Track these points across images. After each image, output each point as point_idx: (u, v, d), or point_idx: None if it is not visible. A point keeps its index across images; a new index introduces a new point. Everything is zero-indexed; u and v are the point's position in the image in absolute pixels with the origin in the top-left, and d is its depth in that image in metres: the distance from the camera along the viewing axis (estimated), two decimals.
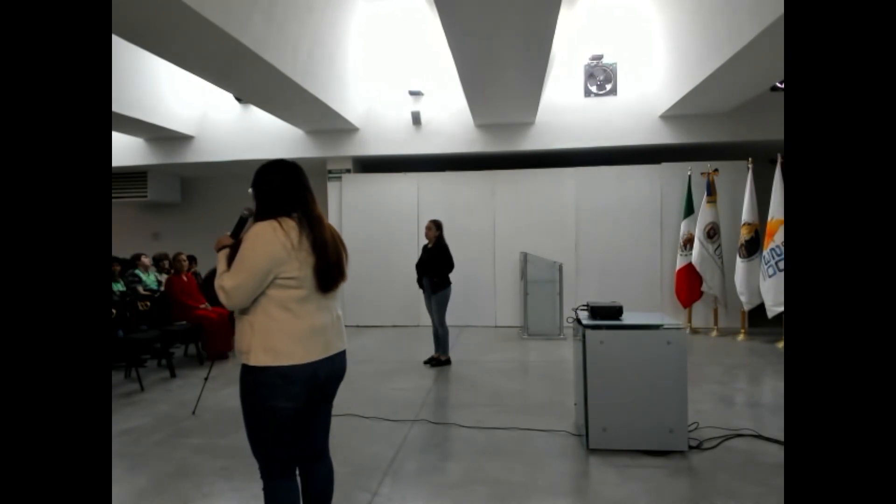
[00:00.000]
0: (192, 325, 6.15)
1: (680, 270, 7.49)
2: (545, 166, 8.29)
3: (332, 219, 8.63)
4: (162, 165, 8.85)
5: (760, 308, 6.66)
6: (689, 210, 7.46)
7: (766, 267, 6.43)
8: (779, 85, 6.73)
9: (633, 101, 7.77)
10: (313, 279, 1.94)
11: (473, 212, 8.25)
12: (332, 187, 8.63)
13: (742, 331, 7.08)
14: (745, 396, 4.77)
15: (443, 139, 8.21)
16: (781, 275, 6.18)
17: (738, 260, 6.97)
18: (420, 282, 5.86)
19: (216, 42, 4.50)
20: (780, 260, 6.25)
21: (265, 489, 2.02)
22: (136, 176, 9.14)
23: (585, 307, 3.69)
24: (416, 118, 8.06)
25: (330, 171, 8.63)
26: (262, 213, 1.98)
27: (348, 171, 8.61)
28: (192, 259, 7.61)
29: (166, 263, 7.12)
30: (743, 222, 6.92)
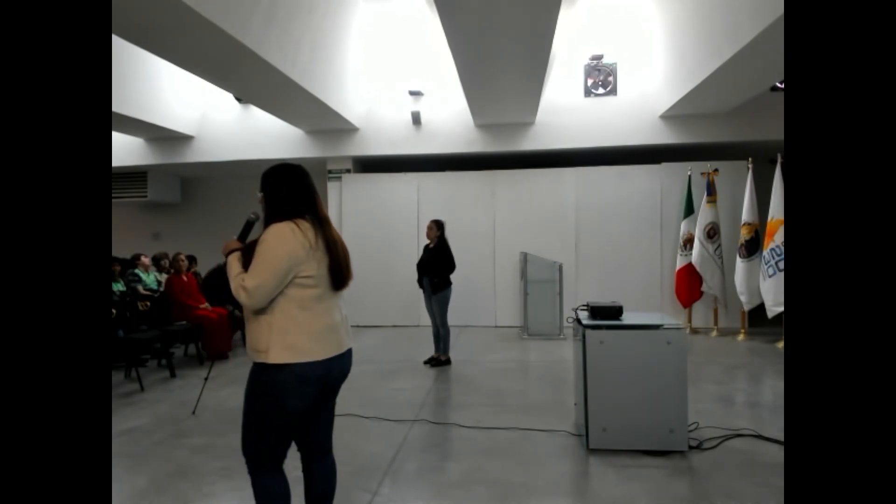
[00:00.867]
0: (192, 325, 6.15)
1: (680, 270, 7.49)
2: (545, 166, 8.29)
3: (333, 219, 8.53)
4: (162, 165, 8.85)
5: (760, 308, 6.66)
6: (689, 210, 7.46)
7: (766, 267, 6.43)
8: (779, 85, 6.73)
9: (633, 101, 7.77)
10: (328, 278, 2.02)
11: (473, 212, 8.25)
12: (332, 187, 8.63)
13: (742, 331, 7.08)
14: (745, 396, 4.77)
15: (443, 139, 8.21)
16: (781, 275, 6.18)
17: (738, 260, 6.97)
18: (420, 282, 5.86)
19: (216, 42, 4.50)
20: (780, 260, 6.25)
21: (255, 483, 2.06)
22: (136, 176, 9.14)
23: (585, 307, 3.69)
24: (416, 118, 8.06)
25: (330, 171, 8.63)
26: (274, 216, 2.03)
27: (348, 171, 8.61)
28: (191, 259, 7.61)
29: (166, 263, 7.12)
30: (743, 222, 6.92)
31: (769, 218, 6.50)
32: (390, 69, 8.17)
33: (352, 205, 8.53)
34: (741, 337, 7.01)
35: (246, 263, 1.99)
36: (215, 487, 3.06)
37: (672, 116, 7.65)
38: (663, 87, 7.34)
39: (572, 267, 7.89)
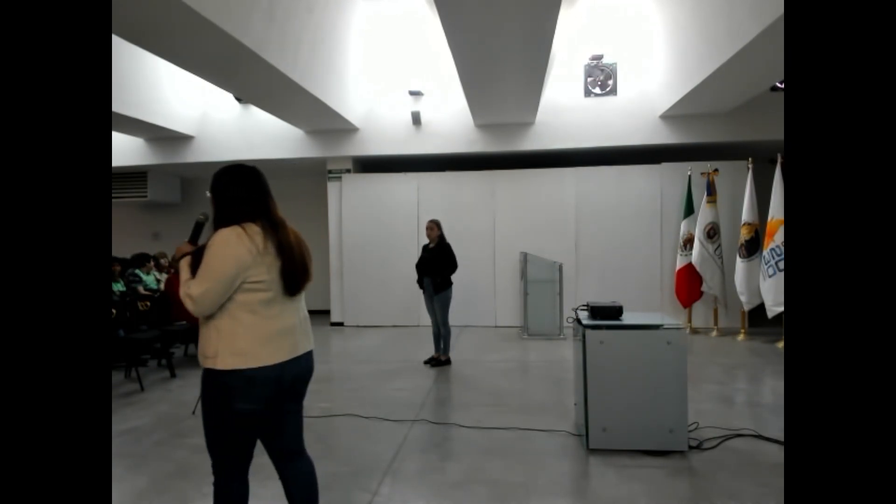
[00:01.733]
0: (192, 325, 6.15)
1: (680, 270, 7.49)
2: (545, 166, 8.29)
3: (332, 219, 8.63)
4: (162, 165, 8.85)
5: (760, 308, 6.66)
6: (689, 210, 7.46)
7: (766, 267, 6.43)
8: (779, 85, 6.73)
9: (633, 101, 7.77)
10: (280, 282, 1.97)
11: (473, 212, 8.25)
12: (332, 187, 8.63)
13: (742, 331, 7.08)
14: (745, 396, 4.77)
15: (443, 139, 8.21)
16: (781, 275, 6.18)
17: (738, 260, 6.97)
18: (420, 282, 5.86)
19: (216, 42, 4.50)
20: (780, 260, 6.25)
21: (215, 485, 2.05)
22: (136, 176, 9.14)
23: (585, 307, 3.69)
24: (416, 118, 8.06)
25: (330, 171, 8.64)
26: (223, 220, 1.98)
27: (348, 171, 8.61)
28: None
29: (165, 262, 7.12)
30: (743, 222, 6.92)
31: (769, 218, 6.50)
32: (390, 69, 8.17)
33: (352, 205, 8.53)
34: (741, 337, 7.01)
35: (196, 267, 1.95)
36: None
37: (672, 116, 7.65)
38: (663, 87, 7.34)
39: (572, 267, 7.89)
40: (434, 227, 5.80)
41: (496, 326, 8.20)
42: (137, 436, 3.90)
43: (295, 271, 2.01)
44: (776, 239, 6.30)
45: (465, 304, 7.52)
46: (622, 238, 7.96)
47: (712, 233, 7.20)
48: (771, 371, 5.44)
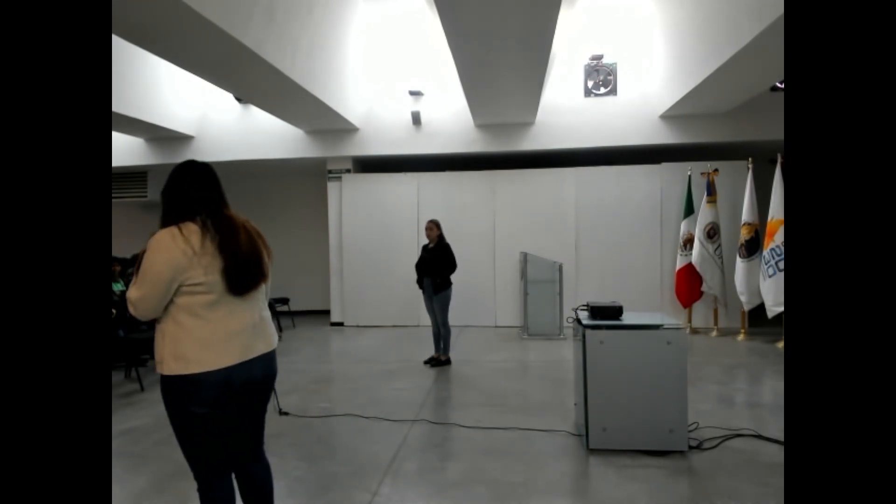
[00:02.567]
0: None
1: (680, 270, 7.49)
2: (545, 166, 8.29)
3: (332, 219, 8.62)
4: (162, 165, 8.84)
5: (760, 308, 6.66)
6: (689, 210, 7.46)
7: (766, 267, 6.43)
8: (779, 85, 6.73)
9: (633, 101, 7.77)
10: (222, 282, 1.88)
11: (473, 212, 8.25)
12: (332, 187, 8.63)
13: (742, 331, 7.08)
14: (745, 396, 4.77)
15: (443, 139, 8.20)
16: (781, 275, 6.18)
17: (738, 260, 6.97)
18: (420, 282, 5.86)
19: (216, 42, 4.50)
20: (780, 260, 6.25)
21: (199, 490, 2.03)
22: (136, 176, 9.14)
23: (585, 307, 3.69)
24: (416, 118, 8.06)
25: (330, 171, 8.64)
26: (164, 220, 1.94)
27: (348, 171, 8.61)
28: None
29: None
30: (743, 222, 6.92)
31: (769, 218, 6.50)
32: (390, 69, 8.17)
33: (352, 205, 8.52)
34: (741, 337, 7.01)
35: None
36: None
37: (672, 116, 7.65)
38: (663, 87, 7.34)
39: (572, 267, 7.89)
40: (433, 227, 5.80)
41: (496, 326, 8.20)
42: (137, 436, 3.90)
43: (239, 271, 1.90)
44: (776, 239, 6.30)
45: (465, 304, 7.52)
46: (622, 238, 7.95)
47: (712, 233, 7.20)
48: (771, 371, 5.44)
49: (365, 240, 8.43)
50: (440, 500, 2.87)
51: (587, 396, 3.37)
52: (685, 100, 6.74)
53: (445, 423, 4.03)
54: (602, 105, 7.87)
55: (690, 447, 3.35)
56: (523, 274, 7.54)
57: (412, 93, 7.99)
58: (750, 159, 7.02)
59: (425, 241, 6.00)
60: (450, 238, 5.93)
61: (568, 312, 4.31)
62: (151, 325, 6.23)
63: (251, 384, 1.98)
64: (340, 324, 8.56)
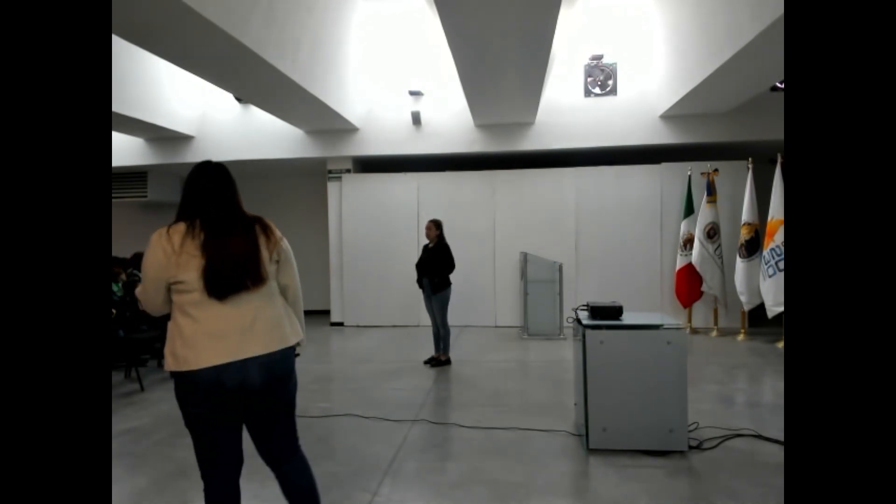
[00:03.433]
0: None
1: (680, 270, 7.49)
2: (545, 166, 8.29)
3: (332, 219, 8.62)
4: (162, 165, 8.85)
5: (760, 308, 6.66)
6: (689, 210, 7.46)
7: (766, 267, 6.43)
8: (779, 85, 6.73)
9: (633, 101, 7.77)
10: (200, 282, 1.87)
11: (473, 212, 8.25)
12: (332, 187, 8.63)
13: (742, 331, 7.08)
14: (745, 396, 4.77)
15: (443, 139, 8.21)
16: (781, 275, 6.18)
17: (738, 260, 6.97)
18: (420, 282, 5.86)
19: (216, 42, 4.50)
20: (780, 260, 6.25)
21: (204, 490, 2.06)
22: (136, 176, 9.14)
23: (585, 307, 3.69)
24: (416, 118, 8.06)
25: (330, 171, 8.64)
26: (175, 219, 2.02)
27: (348, 171, 8.61)
28: None
29: None
30: (743, 222, 6.92)
31: (769, 218, 6.50)
32: (390, 69, 8.17)
33: (352, 205, 8.52)
34: (741, 337, 7.01)
35: None
36: None
37: (672, 116, 7.65)
38: (663, 87, 7.34)
39: (572, 267, 7.89)
40: (432, 227, 5.81)
41: (496, 326, 8.20)
42: (137, 436, 3.90)
43: (219, 272, 1.86)
44: (776, 239, 6.30)
45: (465, 304, 7.52)
46: (622, 238, 7.95)
47: (712, 233, 7.20)
48: (771, 371, 5.44)
49: (365, 240, 8.43)
50: (440, 500, 2.87)
51: (587, 396, 3.37)
52: (685, 100, 6.74)
53: (445, 423, 4.03)
54: (602, 105, 7.87)
55: (690, 447, 3.35)
56: (523, 274, 7.54)
57: (412, 93, 7.99)
58: (750, 159, 7.02)
59: (426, 241, 6.00)
60: (450, 238, 5.93)
61: (568, 312, 4.31)
62: (151, 324, 6.17)
63: (248, 388, 1.92)
64: (340, 324, 8.56)
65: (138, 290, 1.99)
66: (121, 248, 7.81)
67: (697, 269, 7.24)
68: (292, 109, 7.03)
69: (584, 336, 3.40)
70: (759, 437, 3.58)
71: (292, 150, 8.33)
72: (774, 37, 4.44)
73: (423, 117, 8.09)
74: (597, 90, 7.89)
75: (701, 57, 5.87)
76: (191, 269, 1.87)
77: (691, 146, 7.92)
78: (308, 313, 2.17)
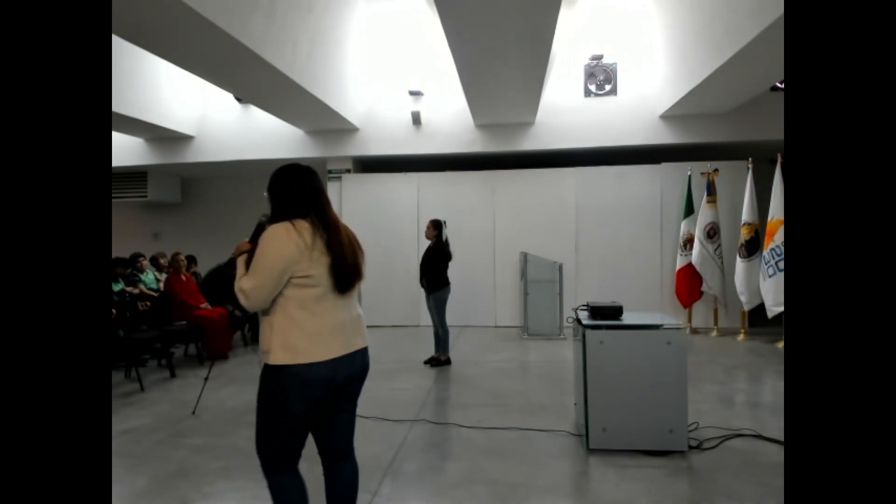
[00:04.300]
0: (192, 325, 6.15)
1: (680, 270, 7.49)
2: (545, 166, 8.29)
3: None
4: (162, 165, 8.85)
5: (760, 308, 6.66)
6: (689, 210, 7.46)
7: (766, 267, 6.43)
8: (779, 85, 6.73)
9: (633, 101, 7.77)
10: (329, 278, 1.98)
11: (473, 212, 8.25)
12: (332, 187, 8.62)
13: (742, 331, 7.08)
14: (745, 396, 4.77)
15: (443, 139, 8.20)
16: (781, 275, 6.18)
17: (738, 260, 6.97)
18: (421, 281, 5.86)
19: (216, 42, 4.50)
20: (780, 260, 6.25)
21: (270, 485, 2.05)
22: (136, 176, 9.15)
23: (585, 307, 3.69)
24: (416, 118, 8.06)
25: (330, 171, 8.64)
26: (275, 217, 2.03)
27: (348, 171, 8.61)
28: (191, 259, 7.61)
29: (164, 262, 7.12)
30: (743, 222, 6.92)
31: (769, 218, 6.50)
32: (390, 69, 8.17)
33: (352, 205, 8.52)
34: (741, 337, 7.01)
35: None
36: (215, 487, 3.06)
37: (672, 116, 7.64)
38: (663, 87, 7.34)
39: (572, 267, 7.89)
40: (431, 227, 5.81)
41: (496, 326, 8.20)
42: (137, 436, 3.90)
43: (345, 268, 2.01)
44: (776, 239, 6.30)
45: (464, 304, 7.52)
46: (622, 238, 7.96)
47: (712, 233, 7.20)
48: (771, 371, 5.44)
49: (365, 240, 8.19)
50: (440, 500, 2.87)
51: (587, 396, 3.37)
52: (685, 100, 6.74)
53: (445, 423, 4.02)
54: (602, 105, 7.87)
55: (690, 447, 3.35)
56: (523, 274, 7.54)
57: (412, 93, 7.99)
58: (750, 159, 7.02)
59: (427, 241, 5.99)
60: (450, 238, 5.92)
61: (568, 312, 4.31)
62: (151, 325, 6.14)
63: (351, 379, 2.10)
64: None
65: (247, 284, 1.93)
66: (121, 248, 7.82)
67: (697, 269, 7.24)
68: (292, 109, 7.03)
69: (584, 336, 3.40)
70: (759, 437, 3.58)
71: (292, 150, 8.33)
72: (774, 37, 4.44)
73: (423, 117, 8.09)
74: (597, 90, 7.88)
75: (701, 57, 5.88)
76: (321, 265, 1.96)
77: (691, 146, 7.92)
78: (361, 312, 2.21)
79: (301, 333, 1.93)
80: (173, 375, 5.62)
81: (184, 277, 6.48)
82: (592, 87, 7.90)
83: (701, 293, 7.39)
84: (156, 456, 3.52)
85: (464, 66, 5.64)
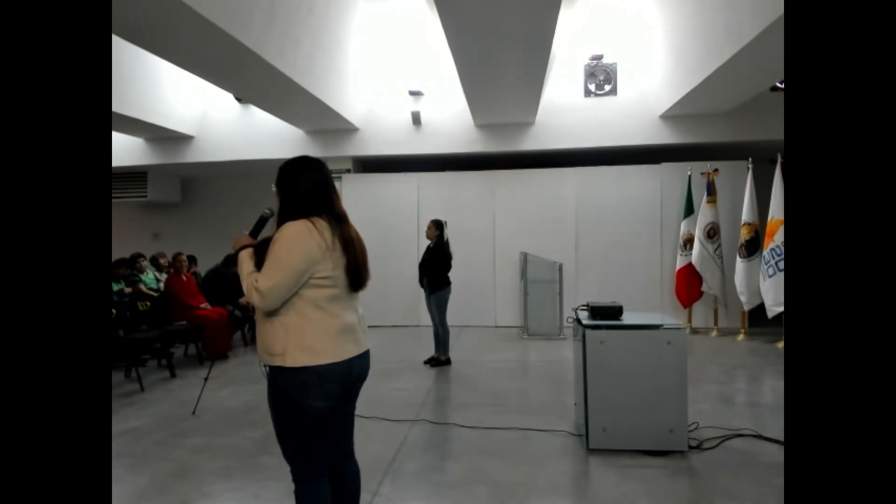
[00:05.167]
0: (192, 325, 6.15)
1: (680, 270, 7.49)
2: (545, 166, 8.29)
3: None
4: (162, 165, 8.85)
5: (760, 308, 6.66)
6: (689, 210, 7.46)
7: (766, 267, 6.43)
8: (779, 85, 6.73)
9: (633, 101, 7.77)
10: (345, 278, 1.95)
11: (473, 212, 8.25)
12: None
13: (742, 331, 7.08)
14: (745, 396, 4.77)
15: (443, 139, 8.20)
16: (781, 275, 6.18)
17: (738, 260, 6.97)
18: (422, 281, 5.86)
19: (216, 42, 4.50)
20: (780, 260, 6.25)
21: (297, 491, 1.99)
22: (136, 176, 9.14)
23: (585, 307, 3.69)
24: (416, 118, 8.06)
25: (330, 171, 8.62)
26: (289, 213, 1.94)
27: (348, 171, 8.61)
28: (192, 259, 7.61)
29: (164, 262, 7.12)
30: (743, 222, 6.92)
31: (769, 218, 6.50)
32: (390, 69, 8.17)
33: (352, 205, 8.37)
34: (741, 337, 7.01)
35: (258, 262, 1.92)
36: (215, 487, 3.06)
37: (672, 116, 7.64)
38: (663, 87, 7.34)
39: (572, 267, 7.89)
40: (432, 226, 5.81)
41: (496, 326, 8.20)
42: (137, 436, 3.90)
43: (358, 268, 1.99)
44: (776, 239, 6.30)
45: (464, 304, 7.52)
46: (622, 238, 7.95)
47: (712, 233, 7.20)
48: (771, 371, 5.44)
49: (365, 240, 8.29)
50: (440, 500, 2.87)
51: (587, 396, 3.37)
52: (685, 100, 6.74)
53: (445, 423, 4.02)
54: (602, 105, 7.87)
55: (690, 447, 3.35)
56: (523, 274, 7.54)
57: (412, 93, 7.99)
58: (750, 159, 7.02)
59: (427, 241, 6.00)
60: (450, 238, 5.92)
61: (568, 312, 4.30)
62: (151, 325, 6.14)
63: (362, 377, 2.09)
64: None
65: (265, 283, 1.83)
66: (121, 248, 7.82)
67: (697, 269, 7.24)
68: (292, 109, 7.03)
69: (584, 336, 3.40)
70: (759, 437, 3.58)
71: (292, 150, 8.31)
72: (774, 37, 4.44)
73: (423, 117, 8.09)
74: (597, 90, 7.88)
75: (701, 57, 5.87)
76: (339, 265, 1.94)
77: (691, 146, 7.92)
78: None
79: (319, 334, 1.89)
80: (173, 375, 5.62)
81: (184, 277, 6.48)
82: (592, 87, 7.90)
83: (701, 293, 7.39)
84: (156, 456, 3.52)
85: (464, 66, 5.64)
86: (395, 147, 8.30)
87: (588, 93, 7.91)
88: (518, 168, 8.35)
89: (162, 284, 6.78)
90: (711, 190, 7.25)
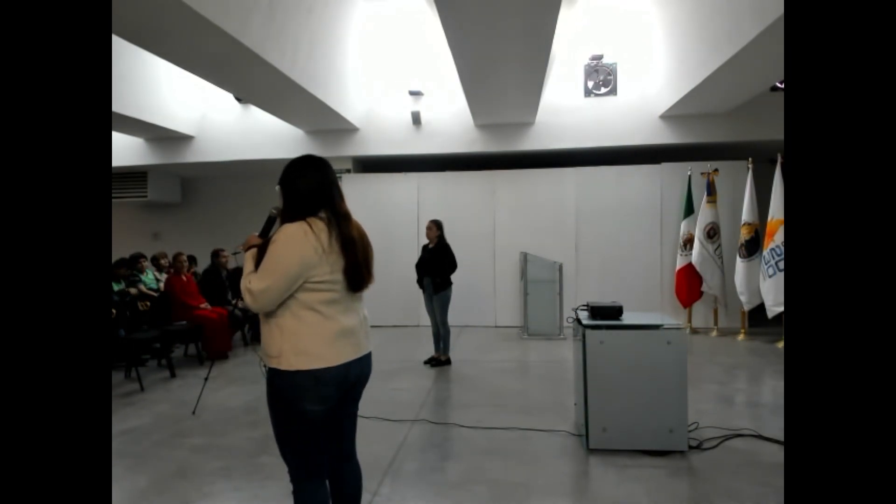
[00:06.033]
0: (192, 325, 6.15)
1: (680, 270, 7.49)
2: (545, 166, 8.28)
3: None
4: (162, 165, 8.85)
5: (760, 308, 6.66)
6: (689, 210, 7.46)
7: (766, 267, 6.43)
8: (779, 85, 6.73)
9: (633, 101, 7.77)
10: (343, 281, 1.91)
11: (473, 212, 8.25)
12: None
13: (742, 331, 7.08)
14: (745, 396, 4.77)
15: (443, 139, 8.21)
16: (781, 275, 6.18)
17: (738, 260, 6.97)
18: (420, 282, 5.86)
19: (216, 42, 4.50)
20: (780, 260, 6.25)
21: (295, 492, 1.99)
22: (136, 176, 9.14)
23: (585, 307, 3.69)
24: (416, 118, 8.06)
25: (334, 171, 8.62)
26: (289, 213, 1.93)
27: (348, 171, 8.61)
28: (192, 259, 7.61)
29: (165, 262, 7.12)
30: (743, 222, 6.92)
31: (769, 218, 6.50)
32: (390, 69, 8.17)
33: (352, 205, 8.09)
34: (741, 337, 7.00)
35: (259, 262, 1.90)
36: (215, 487, 3.06)
37: (672, 116, 7.64)
38: (663, 87, 7.34)
39: (572, 267, 7.89)
40: (433, 227, 5.81)
41: (496, 326, 8.20)
42: (137, 436, 3.90)
43: (359, 270, 1.94)
44: (776, 239, 6.30)
45: (465, 304, 7.51)
46: (622, 238, 7.95)
47: (712, 233, 7.19)
48: (771, 371, 5.44)
49: None
50: (440, 500, 2.87)
51: (587, 396, 3.37)
52: (685, 100, 6.74)
53: (445, 423, 4.02)
54: (602, 105, 7.87)
55: (690, 447, 3.35)
56: (523, 274, 7.54)
57: (412, 93, 7.99)
58: (750, 159, 7.02)
59: (425, 241, 6.00)
60: (450, 238, 5.93)
61: (568, 312, 4.30)
62: (151, 325, 6.14)
63: (360, 382, 2.06)
64: None
65: (257, 285, 1.82)
66: (121, 248, 7.82)
67: (697, 269, 7.24)
68: (292, 109, 7.03)
69: (584, 336, 3.40)
70: (759, 437, 3.58)
71: (292, 150, 8.31)
72: (774, 37, 4.44)
73: (423, 117, 8.09)
74: (597, 90, 7.88)
75: (701, 57, 5.87)
76: (337, 269, 1.90)
77: (691, 146, 7.92)
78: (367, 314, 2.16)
79: (314, 338, 1.86)
80: (173, 375, 5.62)
81: (184, 277, 6.48)
82: (592, 87, 7.90)
83: (701, 293, 7.38)
84: (156, 456, 3.52)
85: (464, 66, 5.64)
86: (395, 147, 8.30)
87: (588, 93, 7.91)
88: (518, 168, 8.35)
89: (162, 284, 6.78)
90: (711, 190, 7.25)
